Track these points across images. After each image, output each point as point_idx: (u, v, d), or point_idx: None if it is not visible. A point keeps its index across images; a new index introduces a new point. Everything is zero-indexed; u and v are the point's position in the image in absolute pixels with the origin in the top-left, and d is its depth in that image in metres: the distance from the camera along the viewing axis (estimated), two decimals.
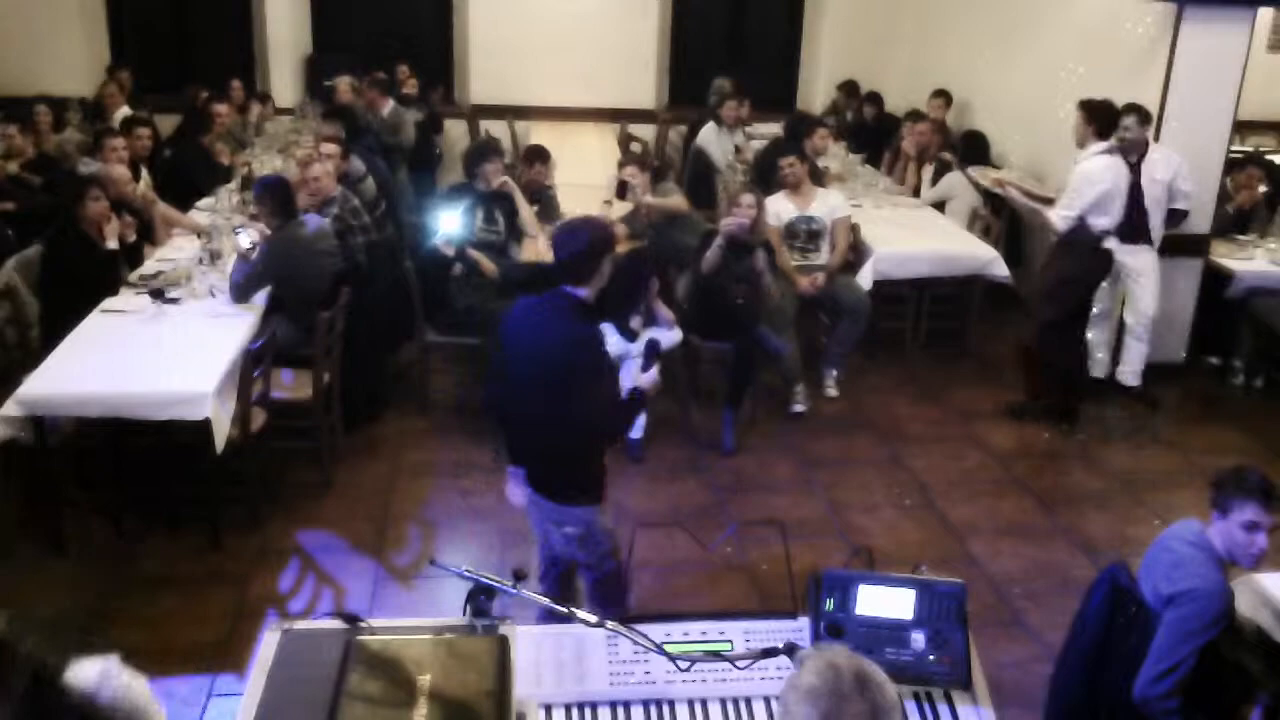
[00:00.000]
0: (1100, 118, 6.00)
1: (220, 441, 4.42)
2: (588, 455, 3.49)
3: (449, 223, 5.81)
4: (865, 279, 6.54)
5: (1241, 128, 7.62)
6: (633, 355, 5.48)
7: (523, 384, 3.39)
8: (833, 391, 6.40)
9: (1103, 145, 5.98)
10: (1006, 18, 8.23)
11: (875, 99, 9.52)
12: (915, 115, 8.36)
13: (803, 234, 6.32)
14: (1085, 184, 5.89)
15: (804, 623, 2.58)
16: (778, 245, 6.14)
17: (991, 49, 8.47)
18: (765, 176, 7.22)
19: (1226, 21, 6.16)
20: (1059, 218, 5.97)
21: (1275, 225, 7.09)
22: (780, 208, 6.30)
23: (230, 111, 8.26)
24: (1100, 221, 5.92)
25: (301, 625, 2.17)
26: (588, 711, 2.42)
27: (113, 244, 5.44)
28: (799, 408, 6.09)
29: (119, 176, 5.89)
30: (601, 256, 3.36)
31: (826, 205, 6.36)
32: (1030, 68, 7.85)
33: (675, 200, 6.58)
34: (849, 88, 9.89)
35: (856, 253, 6.63)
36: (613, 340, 5.48)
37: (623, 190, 6.32)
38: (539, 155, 6.77)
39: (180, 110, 8.68)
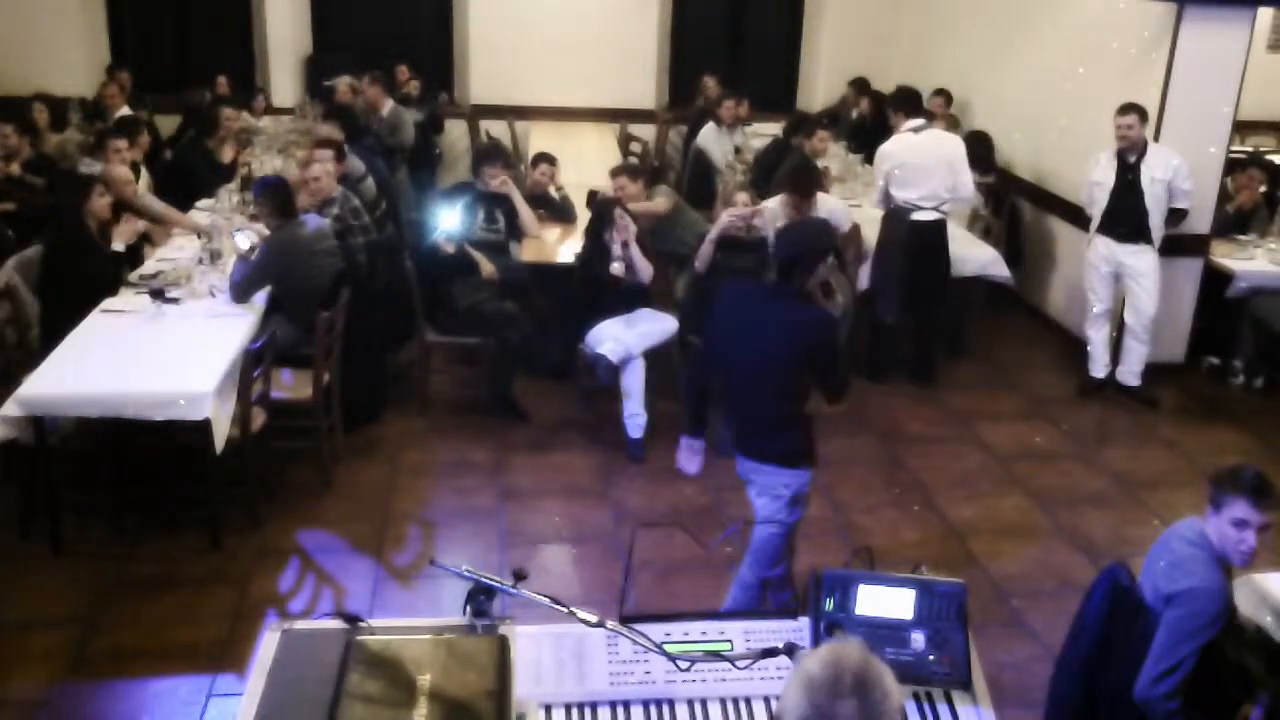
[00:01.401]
0: (904, 103, 6.63)
1: (220, 441, 4.42)
2: (809, 422, 3.80)
3: (449, 220, 5.82)
4: (864, 279, 6.55)
5: (1241, 128, 7.63)
6: (635, 355, 5.48)
7: (752, 364, 3.64)
8: None
9: (908, 125, 6.45)
10: (1007, 18, 8.23)
11: (876, 99, 9.51)
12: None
13: None
14: (879, 162, 6.54)
15: (804, 623, 2.58)
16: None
17: (992, 49, 8.48)
18: (767, 176, 7.21)
19: (1226, 21, 6.17)
20: (874, 192, 6.72)
21: (1275, 225, 7.09)
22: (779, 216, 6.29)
23: (236, 114, 8.26)
24: (904, 194, 6.38)
25: (301, 625, 2.17)
26: (588, 711, 2.42)
27: (119, 246, 5.45)
28: None
29: (120, 177, 5.89)
30: (819, 257, 3.69)
31: (824, 211, 6.33)
32: (1030, 68, 7.85)
33: (655, 203, 6.55)
34: (860, 84, 9.84)
35: (856, 252, 6.62)
36: (610, 344, 5.48)
37: (592, 198, 6.43)
38: (544, 158, 6.82)
39: (180, 110, 8.68)
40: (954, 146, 6.48)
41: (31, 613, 4.17)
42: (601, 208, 5.75)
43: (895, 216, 6.41)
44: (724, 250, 5.66)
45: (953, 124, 8.25)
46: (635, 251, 5.60)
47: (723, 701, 2.45)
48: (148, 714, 3.68)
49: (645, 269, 5.67)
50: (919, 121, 6.48)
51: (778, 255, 3.74)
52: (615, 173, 6.56)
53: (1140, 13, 6.42)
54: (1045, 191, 7.66)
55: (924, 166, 6.35)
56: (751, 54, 10.70)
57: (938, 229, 6.42)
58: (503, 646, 2.07)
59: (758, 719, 2.42)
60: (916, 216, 6.35)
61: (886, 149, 6.49)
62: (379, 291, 5.92)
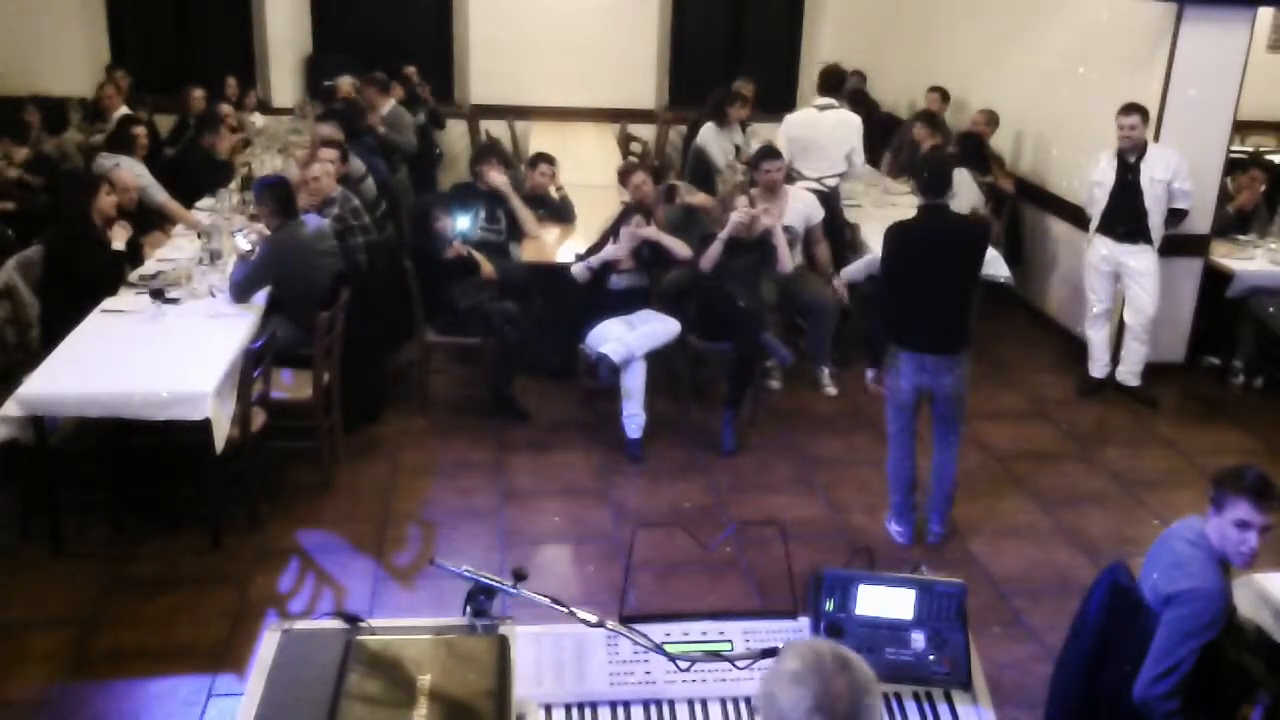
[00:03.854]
0: (823, 79, 7.13)
1: (220, 441, 4.42)
2: None
3: (460, 221, 5.83)
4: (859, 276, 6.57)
5: (1241, 128, 7.62)
6: (637, 356, 5.48)
7: (947, 277, 4.54)
8: (831, 389, 6.41)
9: (816, 101, 6.98)
10: (1007, 18, 8.23)
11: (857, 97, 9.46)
12: (928, 116, 8.31)
13: None
14: (780, 135, 6.93)
15: (804, 623, 2.58)
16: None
17: (992, 49, 8.48)
18: None
19: (1226, 21, 6.17)
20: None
21: (1275, 225, 7.09)
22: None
23: (234, 114, 8.26)
24: (800, 165, 6.82)
25: (301, 625, 2.17)
26: (588, 711, 2.42)
27: (119, 245, 5.45)
28: (774, 384, 6.40)
29: (125, 183, 5.86)
30: (951, 170, 4.72)
31: (801, 213, 6.33)
32: (1030, 68, 7.85)
33: (702, 196, 6.94)
34: (860, 77, 9.77)
35: (855, 250, 6.63)
36: (613, 344, 5.48)
37: (671, 195, 6.46)
38: (543, 159, 6.82)
39: (178, 111, 8.68)
40: (849, 127, 6.81)
41: (31, 613, 4.17)
42: (625, 210, 5.87)
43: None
44: (725, 250, 5.67)
45: (990, 120, 8.16)
46: (674, 242, 5.79)
47: (723, 701, 2.45)
48: (148, 714, 3.69)
49: (680, 248, 5.82)
50: (827, 100, 6.93)
51: (934, 183, 4.51)
52: (630, 169, 6.59)
53: (1140, 13, 6.42)
54: (1045, 191, 7.66)
55: (819, 142, 6.78)
56: (751, 54, 10.69)
57: (823, 202, 6.65)
58: (503, 646, 2.07)
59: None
60: (801, 185, 6.64)
61: (785, 124, 6.99)
62: (379, 291, 5.92)
